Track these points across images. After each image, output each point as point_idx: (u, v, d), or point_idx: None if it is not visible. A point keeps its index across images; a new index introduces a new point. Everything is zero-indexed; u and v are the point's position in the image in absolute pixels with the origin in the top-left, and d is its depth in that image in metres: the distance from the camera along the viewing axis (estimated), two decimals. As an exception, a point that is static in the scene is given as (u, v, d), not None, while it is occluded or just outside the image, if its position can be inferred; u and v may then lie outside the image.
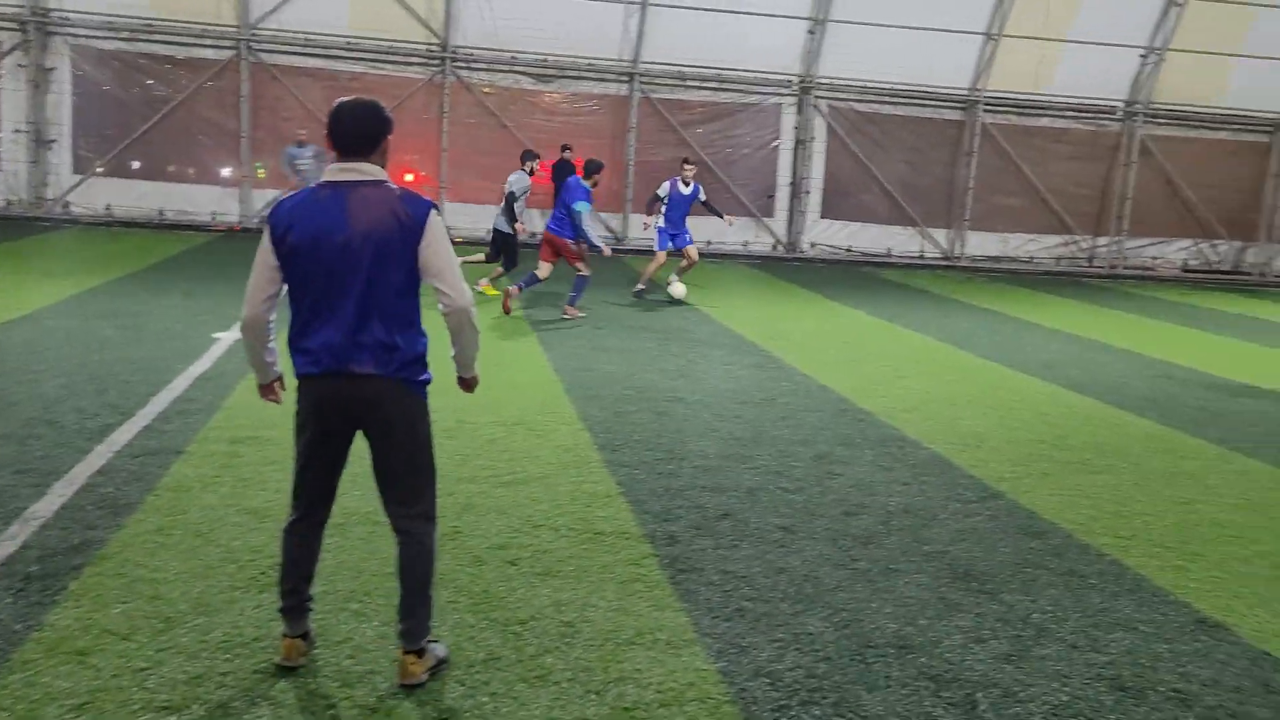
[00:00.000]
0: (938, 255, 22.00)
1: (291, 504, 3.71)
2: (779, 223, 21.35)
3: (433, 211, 3.44)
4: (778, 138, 20.99)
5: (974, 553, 5.29)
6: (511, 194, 13.23)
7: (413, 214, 3.39)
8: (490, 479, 5.95)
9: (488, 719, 3.47)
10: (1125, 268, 22.56)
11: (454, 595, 4.36)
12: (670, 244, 13.92)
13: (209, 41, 18.72)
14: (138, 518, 5.02)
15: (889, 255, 21.68)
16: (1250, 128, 22.69)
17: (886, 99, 21.15)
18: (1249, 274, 23.20)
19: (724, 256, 20.42)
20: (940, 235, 22.02)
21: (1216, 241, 23.19)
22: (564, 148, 18.21)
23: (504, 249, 13.55)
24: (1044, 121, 21.96)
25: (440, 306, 3.50)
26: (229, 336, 9.34)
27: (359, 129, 3.46)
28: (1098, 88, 21.65)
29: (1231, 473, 7.08)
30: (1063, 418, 8.42)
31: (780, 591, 4.66)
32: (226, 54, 18.80)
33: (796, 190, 21.07)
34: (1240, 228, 23.22)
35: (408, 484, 3.61)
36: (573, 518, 5.41)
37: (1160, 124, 22.25)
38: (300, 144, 17.11)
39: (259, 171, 19.55)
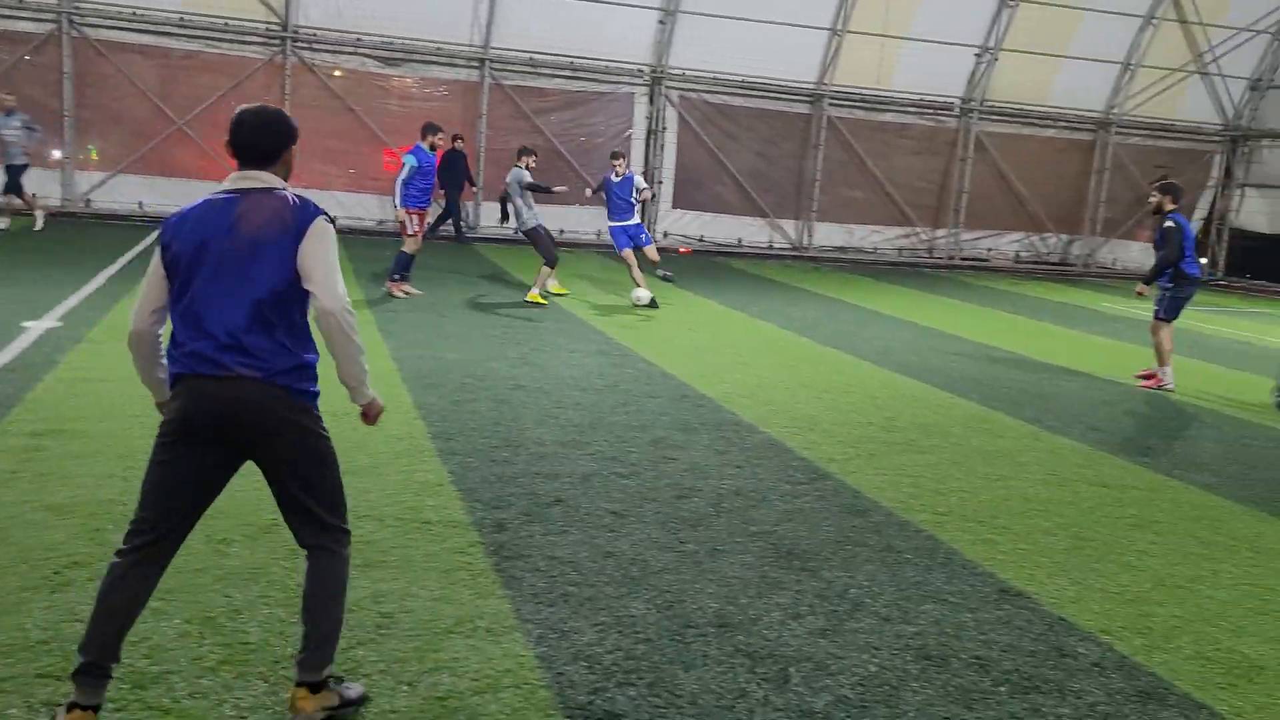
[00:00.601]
0: (786, 246, 22.51)
1: (127, 532, 3.22)
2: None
3: (320, 218, 3.26)
4: (630, 127, 21.07)
5: (799, 532, 5.42)
6: (505, 191, 12.76)
7: (297, 218, 3.23)
8: (316, 470, 5.76)
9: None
10: (962, 258, 23.56)
11: (266, 590, 4.21)
12: (630, 243, 13.35)
13: (26, 13, 17.56)
14: (-80, 518, 4.67)
15: (740, 245, 22.06)
16: (1076, 126, 23.98)
17: (736, 91, 21.49)
18: (1074, 265, 24.55)
19: (578, 246, 20.40)
20: (789, 226, 22.53)
21: (1046, 234, 24.45)
22: (455, 137, 18.86)
23: (535, 245, 12.94)
24: (887, 116, 22.70)
25: (314, 311, 3.26)
26: (39, 326, 8.80)
27: (258, 142, 3.31)
28: (936, 85, 22.50)
29: (1042, 450, 7.47)
30: (893, 401, 8.72)
31: (606, 575, 4.67)
32: (47, 27, 17.68)
33: (649, 180, 21.18)
34: (1067, 222, 24.53)
35: (311, 507, 3.32)
36: (400, 508, 5.30)
37: (994, 121, 23.29)
38: (8, 112, 16.03)
39: (92, 154, 18.51)
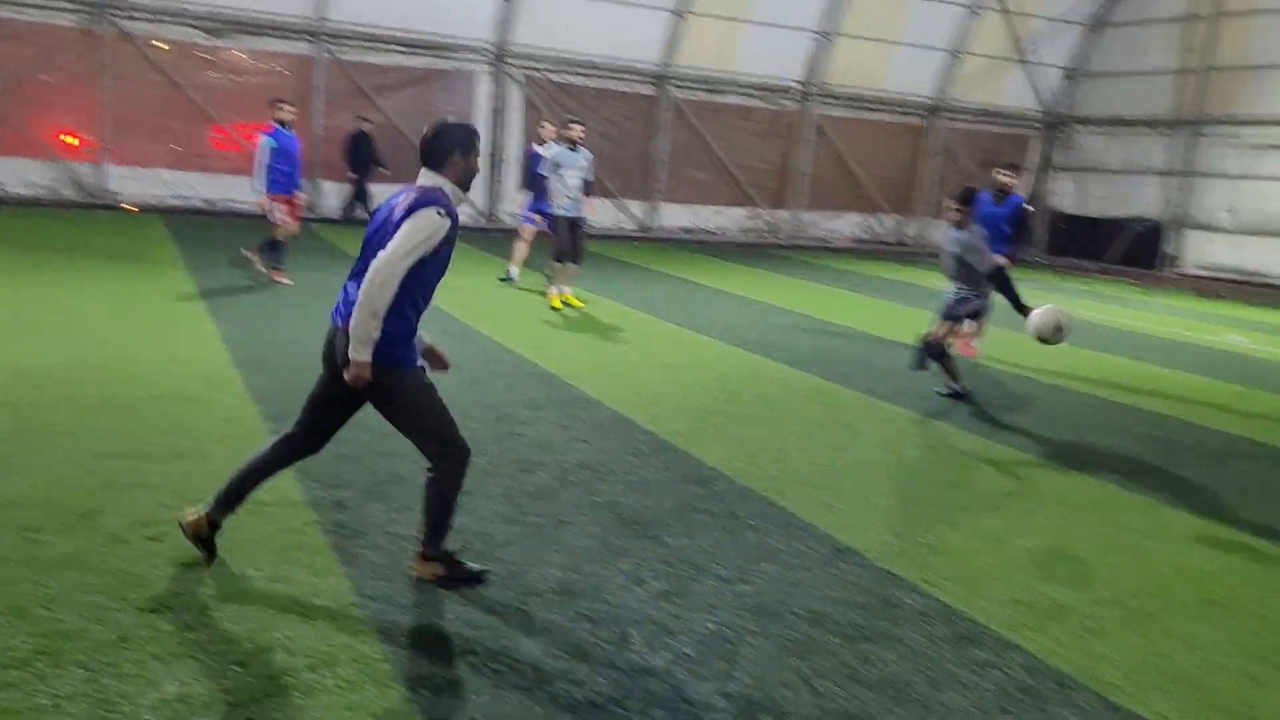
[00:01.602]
0: (634, 227, 22.66)
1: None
2: (477, 194, 21.18)
3: (426, 208, 3.91)
4: (473, 106, 20.77)
5: (643, 502, 5.49)
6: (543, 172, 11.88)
7: (414, 201, 3.95)
8: (138, 455, 5.50)
9: (112, 701, 3.20)
10: (804, 239, 24.23)
11: (82, 576, 4.00)
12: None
13: None
14: None
15: (587, 226, 22.05)
16: (907, 111, 24.95)
17: (581, 71, 21.45)
18: (908, 245, 25.58)
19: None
20: (636, 207, 22.69)
21: (882, 215, 25.38)
22: (363, 119, 18.95)
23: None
24: (730, 99, 23.08)
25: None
26: None
27: (425, 148, 4.11)
28: (777, 68, 23.00)
29: (876, 419, 7.78)
30: (736, 375, 8.92)
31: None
32: None
33: (494, 161, 20.98)
34: (901, 203, 25.54)
35: (405, 433, 4.23)
36: (232, 490, 5.10)
37: (832, 105, 24.00)
38: None
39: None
